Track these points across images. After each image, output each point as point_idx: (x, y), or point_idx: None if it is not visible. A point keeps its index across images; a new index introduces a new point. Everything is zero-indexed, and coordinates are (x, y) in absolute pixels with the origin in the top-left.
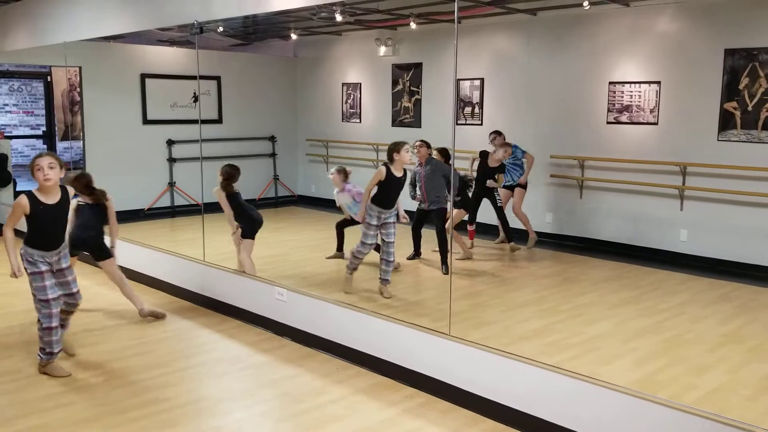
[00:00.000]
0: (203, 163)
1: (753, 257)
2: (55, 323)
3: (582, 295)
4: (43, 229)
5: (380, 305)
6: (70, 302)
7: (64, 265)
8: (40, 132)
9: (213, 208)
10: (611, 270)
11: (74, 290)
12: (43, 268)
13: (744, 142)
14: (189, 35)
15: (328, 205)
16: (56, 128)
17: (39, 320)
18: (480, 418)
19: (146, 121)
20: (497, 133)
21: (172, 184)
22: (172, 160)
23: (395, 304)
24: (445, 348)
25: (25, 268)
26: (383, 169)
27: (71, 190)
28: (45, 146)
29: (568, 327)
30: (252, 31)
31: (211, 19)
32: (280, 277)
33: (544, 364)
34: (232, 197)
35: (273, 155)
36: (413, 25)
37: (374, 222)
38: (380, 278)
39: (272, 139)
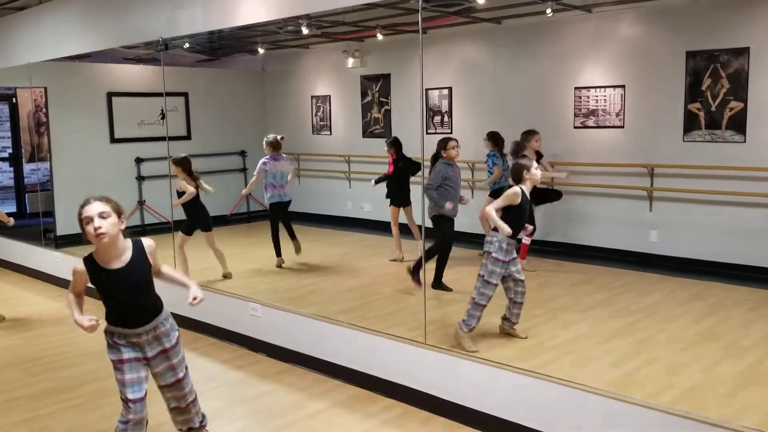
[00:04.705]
0: (172, 180)
1: (723, 255)
2: (130, 424)
3: (555, 299)
4: (114, 299)
5: (355, 317)
6: (176, 395)
7: (167, 345)
8: (6, 154)
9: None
10: (583, 273)
11: (179, 375)
12: (125, 355)
13: (709, 141)
14: (155, 52)
15: (300, 218)
16: (23, 150)
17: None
18: (459, 426)
19: (114, 140)
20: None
21: (141, 203)
22: (141, 178)
23: (371, 315)
24: (422, 357)
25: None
26: (518, 191)
27: (149, 244)
28: (11, 168)
29: (543, 331)
30: (218, 47)
31: (176, 35)
32: (254, 293)
33: (520, 369)
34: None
35: (244, 170)
36: (380, 37)
37: (502, 257)
38: (510, 321)
39: (242, 153)
